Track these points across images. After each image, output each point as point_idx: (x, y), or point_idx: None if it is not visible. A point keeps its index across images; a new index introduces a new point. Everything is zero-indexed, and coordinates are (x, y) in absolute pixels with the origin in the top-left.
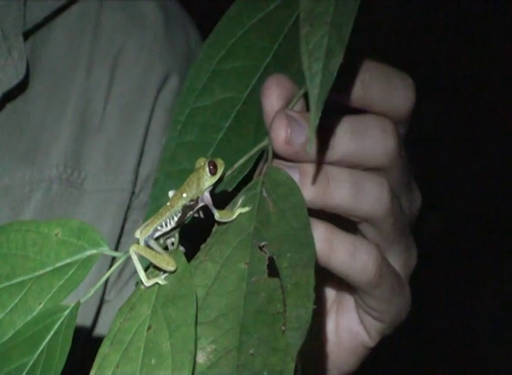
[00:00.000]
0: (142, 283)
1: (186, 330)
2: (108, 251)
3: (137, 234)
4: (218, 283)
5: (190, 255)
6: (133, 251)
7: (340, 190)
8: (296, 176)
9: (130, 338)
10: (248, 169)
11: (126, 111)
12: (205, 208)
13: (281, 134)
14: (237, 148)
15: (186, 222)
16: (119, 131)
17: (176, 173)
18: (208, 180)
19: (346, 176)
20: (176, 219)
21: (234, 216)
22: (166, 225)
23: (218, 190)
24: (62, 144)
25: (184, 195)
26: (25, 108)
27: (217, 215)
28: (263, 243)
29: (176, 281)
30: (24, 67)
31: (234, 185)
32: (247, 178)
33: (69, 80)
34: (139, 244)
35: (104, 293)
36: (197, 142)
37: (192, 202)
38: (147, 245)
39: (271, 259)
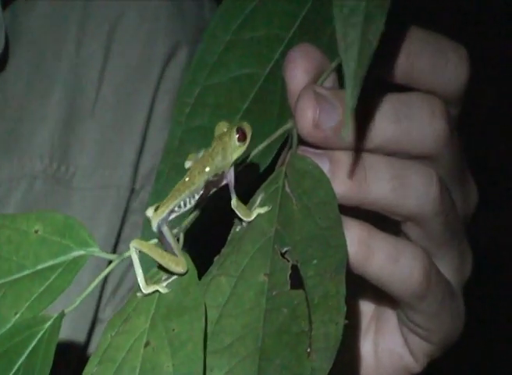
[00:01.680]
0: (139, 289)
1: (192, 348)
2: (98, 252)
3: (149, 213)
4: (233, 301)
5: (198, 267)
6: (133, 247)
7: (379, 182)
8: (325, 166)
9: (124, 356)
10: (269, 159)
11: (124, 92)
12: (220, 210)
13: (308, 116)
14: (257, 135)
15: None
16: (115, 116)
17: (182, 165)
18: (236, 151)
19: (387, 166)
20: (196, 197)
21: (252, 218)
22: (185, 205)
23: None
24: (47, 132)
25: (207, 169)
26: (3, 89)
27: (234, 201)
28: (285, 248)
29: (180, 290)
30: (2, 41)
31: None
32: (268, 170)
33: (55, 56)
34: (141, 239)
35: (97, 310)
36: (208, 128)
37: (216, 177)
38: (160, 231)
39: (294, 268)
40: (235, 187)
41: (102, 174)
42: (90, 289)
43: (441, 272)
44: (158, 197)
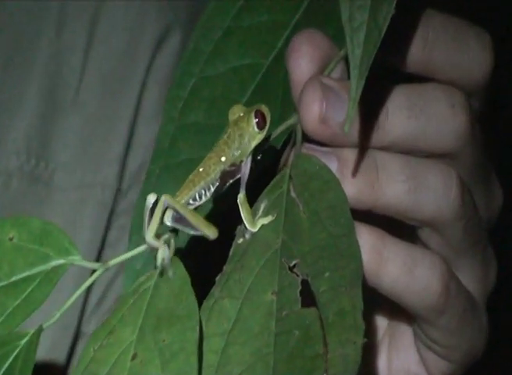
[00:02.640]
0: (148, 233)
1: (184, 359)
2: (80, 260)
3: (150, 199)
4: (239, 326)
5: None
6: (165, 200)
7: (393, 184)
8: (333, 166)
9: (108, 370)
10: (270, 159)
11: (109, 81)
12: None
13: (313, 110)
14: None
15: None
16: (100, 107)
17: (175, 166)
18: (255, 138)
19: (401, 166)
20: (212, 189)
21: (256, 229)
22: (200, 197)
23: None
24: (24, 124)
25: (223, 159)
26: None
27: (241, 196)
28: (293, 262)
29: (172, 297)
30: None
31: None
32: (270, 172)
33: (34, 41)
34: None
35: (81, 323)
36: (203, 124)
37: (233, 167)
38: (176, 219)
39: (305, 283)
40: (247, 180)
41: (85, 172)
42: (70, 302)
43: (462, 283)
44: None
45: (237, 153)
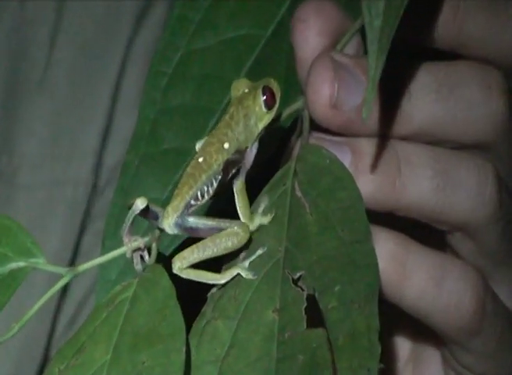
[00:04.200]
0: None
1: None
2: (44, 264)
3: (140, 204)
4: (234, 352)
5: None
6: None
7: (419, 180)
8: (346, 159)
9: None
10: (272, 151)
11: (83, 59)
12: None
13: (323, 92)
14: None
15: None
16: (71, 91)
17: (157, 156)
18: (263, 118)
19: (428, 159)
20: (215, 184)
21: (253, 225)
22: (203, 196)
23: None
24: None
25: (226, 146)
26: None
27: (239, 183)
28: (298, 273)
29: (153, 312)
30: None
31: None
32: (272, 166)
33: None
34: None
35: (49, 346)
36: (191, 106)
37: (237, 156)
38: (184, 229)
39: (311, 298)
40: (249, 168)
41: (55, 167)
42: (30, 314)
43: (499, 298)
44: (124, 196)
45: (242, 137)
